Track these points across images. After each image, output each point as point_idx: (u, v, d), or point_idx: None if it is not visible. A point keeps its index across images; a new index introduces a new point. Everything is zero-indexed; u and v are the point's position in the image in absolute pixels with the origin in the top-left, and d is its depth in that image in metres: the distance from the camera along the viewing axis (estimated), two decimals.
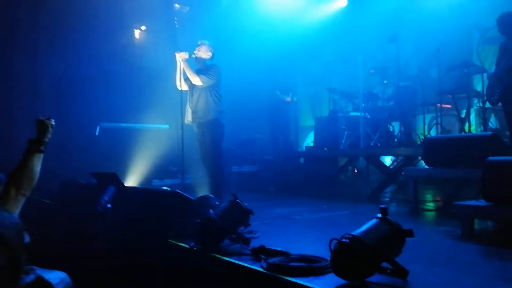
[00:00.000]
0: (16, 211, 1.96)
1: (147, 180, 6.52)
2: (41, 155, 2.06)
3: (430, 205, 5.01)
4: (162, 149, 7.24)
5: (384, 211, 2.28)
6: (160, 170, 6.90)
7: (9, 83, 6.00)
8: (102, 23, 7.74)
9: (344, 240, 2.12)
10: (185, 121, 5.43)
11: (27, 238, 2.32)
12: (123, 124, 7.57)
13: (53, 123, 2.14)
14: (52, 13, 6.96)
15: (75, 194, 4.60)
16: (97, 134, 7.33)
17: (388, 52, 6.88)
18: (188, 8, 9.15)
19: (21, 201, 1.94)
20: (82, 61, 7.28)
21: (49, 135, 2.12)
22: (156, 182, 6.60)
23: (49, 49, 6.96)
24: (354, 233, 2.16)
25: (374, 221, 2.27)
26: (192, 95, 5.39)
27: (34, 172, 2.01)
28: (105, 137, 7.22)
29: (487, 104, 6.33)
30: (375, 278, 2.16)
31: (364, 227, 2.23)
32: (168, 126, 7.68)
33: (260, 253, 2.65)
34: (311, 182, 6.53)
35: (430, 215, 4.56)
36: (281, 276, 2.29)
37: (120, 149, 6.90)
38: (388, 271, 2.21)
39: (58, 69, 6.84)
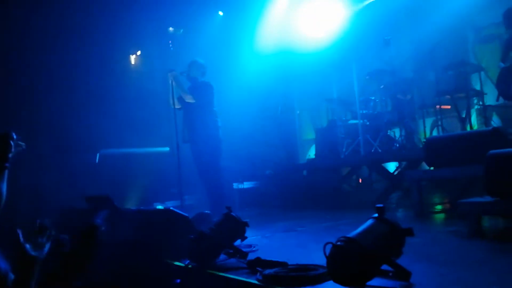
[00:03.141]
0: None
1: (148, 203, 6.43)
2: (6, 172, 1.93)
3: (437, 207, 4.86)
4: (163, 172, 7.19)
5: (380, 210, 2.17)
6: (161, 193, 6.82)
7: (5, 117, 5.99)
8: (98, 50, 7.78)
9: (338, 243, 2.01)
10: (182, 141, 5.37)
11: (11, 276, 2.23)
12: (122, 150, 7.52)
13: (15, 136, 2.00)
14: (48, 41, 7.01)
15: (75, 220, 4.51)
16: (97, 161, 7.28)
17: (382, 57, 6.84)
18: (182, 30, 9.19)
19: None
20: (80, 89, 7.30)
21: (12, 149, 1.98)
22: (157, 205, 6.51)
23: (46, 77, 6.99)
24: (349, 235, 2.04)
25: (370, 221, 2.16)
26: (186, 113, 5.34)
27: (2, 191, 1.89)
28: (105, 163, 7.17)
29: (488, 102, 6.24)
30: (376, 282, 2.04)
31: (360, 228, 2.12)
32: (168, 149, 7.64)
33: (257, 265, 2.53)
34: (314, 194, 6.40)
35: (437, 217, 4.42)
36: (277, 287, 2.17)
37: (120, 175, 6.84)
38: (390, 273, 2.09)
39: (55, 96, 6.84)
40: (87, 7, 7.38)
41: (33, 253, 1.62)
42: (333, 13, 7.43)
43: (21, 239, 1.63)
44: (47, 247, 1.70)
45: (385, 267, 2.09)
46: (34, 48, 6.87)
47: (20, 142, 2.10)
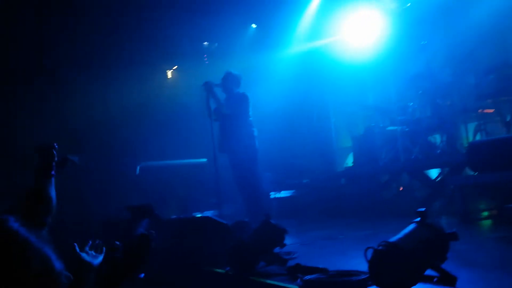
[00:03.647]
0: None
1: (188, 214, 6.52)
2: (52, 180, 2.05)
3: (483, 214, 4.68)
4: (201, 182, 7.30)
5: (422, 214, 2.12)
6: (200, 203, 6.91)
7: (48, 130, 6.28)
8: (136, 66, 8.06)
9: (380, 248, 1.98)
10: (219, 151, 5.44)
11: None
12: (162, 162, 7.69)
13: (56, 146, 2.12)
14: (90, 57, 7.33)
15: (117, 230, 4.64)
16: (137, 173, 7.48)
17: (419, 62, 6.69)
18: (216, 44, 9.38)
19: (43, 230, 1.93)
20: (119, 103, 7.56)
21: (54, 158, 2.10)
22: (197, 215, 6.59)
23: (87, 92, 7.29)
24: (390, 240, 2.01)
25: (412, 226, 2.12)
26: (223, 124, 5.42)
27: (52, 197, 2.01)
28: (145, 175, 7.35)
29: None
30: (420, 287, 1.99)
31: (402, 233, 2.08)
32: (205, 160, 7.76)
33: (297, 271, 2.53)
34: (353, 202, 6.29)
35: (483, 223, 4.25)
36: None
37: (160, 186, 7.00)
38: (434, 279, 2.04)
39: (96, 111, 7.12)
40: (125, 25, 7.66)
41: (88, 259, 1.70)
42: (368, 19, 7.37)
43: (77, 250, 1.72)
44: (100, 258, 1.78)
45: (429, 272, 2.03)
46: (79, 64, 7.20)
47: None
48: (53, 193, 2.02)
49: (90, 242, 1.82)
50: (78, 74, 7.20)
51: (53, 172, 2.06)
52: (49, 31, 6.81)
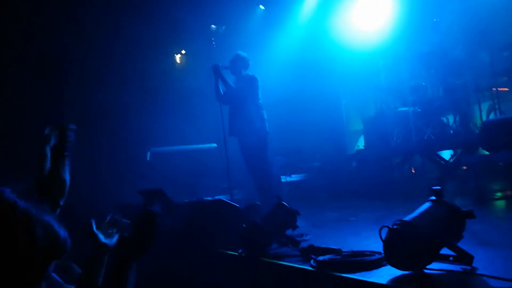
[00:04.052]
0: None
1: (199, 198, 6.54)
2: (66, 160, 2.05)
3: (497, 194, 4.61)
4: (211, 167, 7.31)
5: (437, 193, 2.08)
6: (210, 188, 6.92)
7: (59, 114, 6.31)
8: (145, 51, 8.03)
9: (395, 227, 1.95)
10: (229, 134, 5.42)
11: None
12: (172, 148, 7.70)
13: (74, 127, 2.13)
14: (98, 45, 7.31)
15: (130, 214, 4.66)
16: (148, 159, 7.50)
17: (431, 41, 6.54)
18: (224, 27, 9.28)
19: (57, 212, 1.93)
20: (128, 89, 7.55)
21: (70, 139, 2.10)
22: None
23: (96, 78, 7.29)
24: (405, 218, 1.98)
25: (427, 204, 2.08)
26: (232, 107, 5.38)
27: (65, 178, 2.01)
28: (156, 161, 7.38)
29: None
30: (436, 266, 1.96)
31: (417, 211, 2.04)
32: (215, 145, 7.75)
33: (310, 252, 2.51)
34: (364, 185, 6.24)
35: (498, 204, 4.19)
36: (332, 273, 2.13)
37: (171, 172, 7.01)
38: (450, 258, 2.00)
39: (106, 97, 7.11)
40: (133, 10, 7.61)
41: (104, 240, 1.70)
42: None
43: (94, 228, 1.72)
44: (116, 237, 1.78)
45: (445, 251, 2.00)
46: (87, 49, 7.18)
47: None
48: (67, 174, 2.03)
49: (108, 217, 1.80)
50: (86, 60, 7.19)
51: (67, 153, 2.06)
52: (55, 16, 6.79)
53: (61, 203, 1.97)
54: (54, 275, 2.31)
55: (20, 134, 5.89)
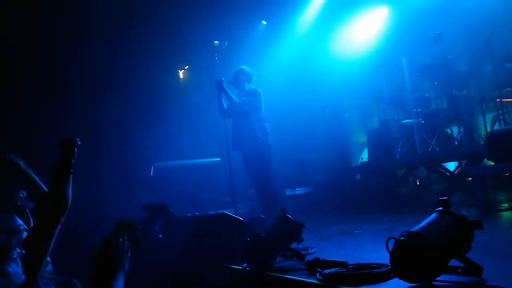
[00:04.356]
0: (52, 239, 1.91)
1: (202, 213, 6.50)
2: (71, 177, 2.01)
3: (503, 205, 4.55)
4: (215, 181, 7.27)
5: (444, 203, 2.05)
6: (214, 202, 6.88)
7: (62, 130, 6.31)
8: (148, 67, 8.08)
9: (402, 238, 1.91)
10: (232, 148, 5.41)
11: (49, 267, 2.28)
12: (175, 162, 7.69)
13: (79, 142, 2.07)
14: (101, 60, 7.35)
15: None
16: (151, 174, 7.48)
17: (434, 52, 6.55)
18: (227, 43, 9.36)
19: (57, 228, 1.90)
20: (131, 104, 7.57)
21: (75, 156, 2.06)
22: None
23: (99, 94, 7.31)
24: (413, 229, 1.94)
25: (434, 215, 2.05)
26: (236, 121, 5.38)
27: (68, 196, 1.97)
28: (159, 176, 7.36)
29: None
30: (445, 278, 1.92)
31: (424, 222, 2.01)
32: (219, 159, 7.73)
33: (315, 266, 2.47)
34: (369, 197, 6.19)
35: (505, 214, 4.13)
36: (339, 286, 2.09)
37: (174, 186, 6.98)
38: (459, 270, 1.96)
39: (109, 112, 7.13)
40: (137, 25, 7.68)
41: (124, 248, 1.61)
42: (379, 10, 7.28)
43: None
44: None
45: (453, 263, 1.96)
46: (89, 64, 7.22)
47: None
48: (69, 192, 1.98)
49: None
50: (88, 75, 7.23)
51: (71, 170, 2.01)
52: (56, 31, 6.85)
53: (62, 220, 1.93)
54: None
55: (22, 150, 5.91)
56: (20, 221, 1.70)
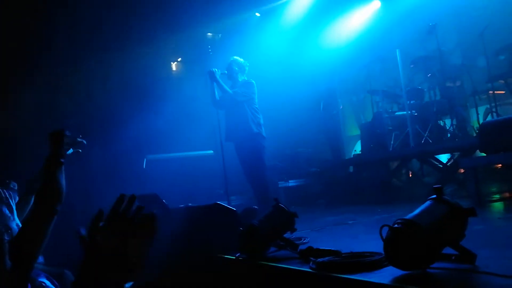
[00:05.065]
0: (48, 229, 1.90)
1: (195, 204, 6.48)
2: (62, 167, 2.01)
3: (495, 196, 4.58)
4: (208, 174, 7.24)
5: (438, 191, 2.04)
6: (208, 195, 6.86)
7: (52, 123, 6.25)
8: (141, 60, 8.00)
9: (396, 226, 1.90)
10: (225, 140, 5.39)
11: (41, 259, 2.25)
12: (168, 155, 7.64)
13: (68, 134, 2.09)
14: (93, 51, 7.28)
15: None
16: (144, 167, 7.43)
17: (427, 45, 6.56)
18: (220, 35, 9.31)
19: (53, 218, 1.89)
20: (123, 96, 7.51)
21: (66, 146, 2.07)
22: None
23: (91, 86, 7.25)
24: (406, 217, 1.93)
25: (428, 203, 2.04)
26: (229, 112, 5.35)
27: (62, 185, 1.97)
28: (152, 168, 7.31)
29: None
30: (439, 266, 1.91)
31: (418, 210, 2.00)
32: (212, 152, 7.70)
33: (309, 255, 2.45)
34: (362, 190, 6.21)
35: (497, 205, 4.16)
36: (333, 274, 2.08)
37: (167, 179, 6.94)
38: (453, 257, 1.96)
39: (101, 104, 7.07)
40: (130, 17, 7.60)
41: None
42: (373, 3, 7.26)
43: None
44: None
45: (448, 250, 1.96)
46: (81, 55, 7.15)
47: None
48: (63, 181, 1.98)
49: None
50: (80, 67, 7.15)
51: (63, 160, 2.02)
52: (47, 21, 6.77)
53: (59, 209, 1.92)
54: (47, 282, 2.25)
55: (16, 141, 5.86)
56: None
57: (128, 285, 1.19)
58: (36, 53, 6.69)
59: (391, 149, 6.42)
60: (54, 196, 1.94)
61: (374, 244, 2.35)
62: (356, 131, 8.26)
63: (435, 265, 1.90)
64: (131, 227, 1.10)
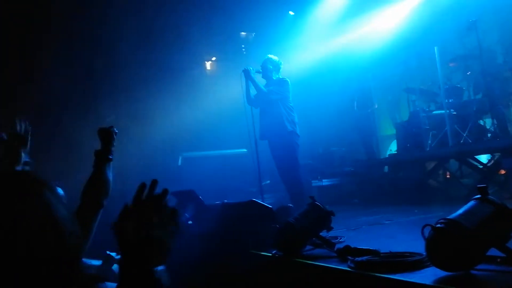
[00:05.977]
0: (95, 222, 1.98)
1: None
2: (111, 163, 2.10)
3: None
4: (242, 172, 7.30)
5: (483, 190, 1.99)
6: (241, 193, 6.91)
7: (91, 123, 6.46)
8: (175, 58, 8.14)
9: (438, 225, 1.87)
10: (260, 138, 5.41)
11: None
12: (203, 152, 7.75)
13: (116, 131, 2.17)
14: (128, 52, 7.46)
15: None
16: (179, 164, 7.56)
17: (467, 42, 6.35)
18: (254, 34, 9.35)
19: (100, 212, 1.97)
20: (159, 95, 7.66)
21: (114, 143, 2.15)
22: None
23: (127, 86, 7.42)
24: (450, 216, 1.89)
25: (472, 203, 1.98)
26: (263, 110, 5.37)
27: (109, 180, 2.06)
28: (187, 166, 7.43)
29: None
30: (483, 268, 1.86)
31: (461, 210, 1.95)
32: (245, 150, 7.75)
33: (346, 254, 2.44)
34: (397, 190, 6.08)
35: None
36: (372, 274, 2.06)
37: (202, 176, 7.04)
38: (498, 259, 1.90)
39: (138, 103, 7.24)
40: (165, 17, 7.75)
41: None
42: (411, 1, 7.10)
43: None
44: None
45: (493, 252, 1.90)
46: (116, 57, 7.34)
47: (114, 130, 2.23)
48: (110, 175, 2.07)
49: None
50: (116, 68, 7.35)
51: (111, 156, 2.10)
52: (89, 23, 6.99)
53: (105, 203, 2.01)
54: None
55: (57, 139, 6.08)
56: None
57: (160, 268, 1.20)
58: (80, 50, 6.93)
59: (428, 149, 6.26)
60: (102, 190, 2.03)
61: (413, 245, 2.32)
62: (391, 130, 8.10)
63: (480, 266, 1.85)
64: (155, 213, 1.12)
